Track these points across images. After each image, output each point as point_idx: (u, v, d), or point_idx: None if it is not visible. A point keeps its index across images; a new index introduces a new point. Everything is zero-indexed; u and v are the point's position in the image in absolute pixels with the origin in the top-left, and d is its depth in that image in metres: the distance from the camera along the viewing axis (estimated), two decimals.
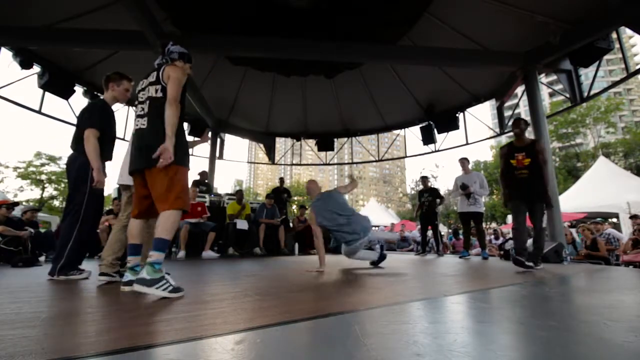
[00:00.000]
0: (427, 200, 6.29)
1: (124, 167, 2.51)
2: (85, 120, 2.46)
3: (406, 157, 10.15)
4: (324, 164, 11.20)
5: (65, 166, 2.71)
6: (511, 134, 4.09)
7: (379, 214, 18.68)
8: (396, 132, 9.88)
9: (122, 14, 5.07)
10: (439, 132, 8.40)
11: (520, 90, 6.57)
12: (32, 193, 25.76)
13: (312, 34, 6.04)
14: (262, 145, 10.54)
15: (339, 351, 0.90)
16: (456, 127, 8.01)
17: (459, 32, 6.00)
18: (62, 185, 24.45)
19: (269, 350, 0.92)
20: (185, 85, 1.97)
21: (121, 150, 3.07)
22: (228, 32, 6.04)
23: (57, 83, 6.35)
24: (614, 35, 5.21)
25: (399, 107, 8.84)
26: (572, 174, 25.05)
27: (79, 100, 7.25)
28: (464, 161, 5.79)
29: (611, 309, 1.55)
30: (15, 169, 23.37)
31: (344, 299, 1.77)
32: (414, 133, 9.09)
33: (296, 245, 6.66)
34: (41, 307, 1.49)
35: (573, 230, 6.88)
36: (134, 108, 1.95)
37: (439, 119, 8.25)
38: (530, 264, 3.18)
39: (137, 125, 1.96)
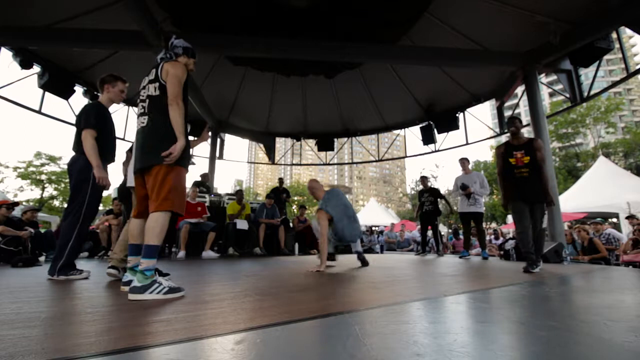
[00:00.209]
0: (427, 200, 6.29)
1: (132, 170, 2.53)
2: (81, 122, 2.53)
3: (406, 157, 10.15)
4: (324, 164, 11.21)
5: (66, 166, 2.75)
6: None
7: (379, 214, 18.67)
8: (396, 132, 9.88)
9: (122, 14, 5.08)
10: (439, 132, 8.40)
11: (520, 90, 6.58)
12: (32, 193, 25.82)
13: (312, 34, 6.05)
14: (262, 145, 10.54)
15: (339, 351, 0.90)
16: (456, 127, 8.01)
17: (459, 32, 6.00)
18: (62, 185, 24.46)
19: (269, 350, 0.92)
20: (186, 82, 1.94)
21: (121, 152, 3.08)
22: (228, 32, 6.04)
23: (57, 83, 6.36)
24: (614, 35, 5.21)
25: (399, 107, 8.85)
26: (572, 174, 25.04)
27: (79, 100, 7.26)
28: (464, 161, 5.79)
29: (611, 309, 1.55)
30: (15, 169, 23.37)
31: (344, 299, 1.77)
32: (414, 133, 9.10)
33: (296, 245, 6.65)
34: (41, 307, 1.49)
35: (573, 230, 6.87)
36: (135, 109, 1.95)
37: (439, 119, 8.26)
38: (537, 269, 3.15)
39: (138, 124, 1.95)
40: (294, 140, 10.50)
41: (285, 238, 6.32)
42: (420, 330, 1.13)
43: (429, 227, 6.50)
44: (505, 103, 7.09)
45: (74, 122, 3.13)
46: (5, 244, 4.10)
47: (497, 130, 8.07)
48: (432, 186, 6.79)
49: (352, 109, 9.09)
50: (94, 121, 2.51)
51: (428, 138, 8.57)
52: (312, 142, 10.32)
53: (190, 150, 2.11)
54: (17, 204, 4.98)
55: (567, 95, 5.93)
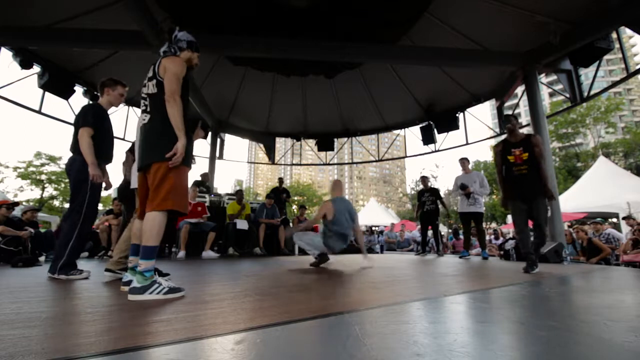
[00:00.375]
0: (428, 200, 6.29)
1: (135, 172, 2.54)
2: (79, 121, 2.57)
3: (406, 157, 10.15)
4: (324, 164, 11.21)
5: (65, 167, 2.77)
6: None
7: (379, 214, 18.67)
8: (396, 132, 9.88)
9: (122, 14, 5.08)
10: (439, 132, 8.40)
11: (520, 90, 6.58)
12: (32, 193, 25.83)
13: (312, 34, 6.04)
14: (262, 145, 10.54)
15: (339, 351, 0.90)
16: (456, 127, 8.01)
17: (459, 32, 6.00)
18: (62, 185, 24.45)
19: (269, 350, 0.92)
20: (188, 78, 1.89)
21: (119, 153, 3.09)
22: (228, 32, 6.04)
23: (57, 83, 6.36)
24: (614, 35, 5.21)
25: (399, 107, 8.85)
26: (572, 174, 25.03)
27: (79, 100, 7.26)
28: (464, 161, 5.79)
29: (611, 309, 1.55)
30: (15, 169, 23.36)
31: (344, 299, 1.77)
32: (414, 133, 9.10)
33: (296, 245, 6.65)
34: (41, 307, 1.49)
35: (572, 230, 6.88)
36: (136, 109, 1.93)
37: (439, 119, 8.26)
38: (536, 270, 3.13)
39: (140, 121, 1.93)
40: (294, 140, 10.50)
41: (285, 238, 6.32)
42: (420, 330, 1.13)
43: (429, 227, 6.50)
44: (505, 103, 7.09)
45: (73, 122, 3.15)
46: (5, 244, 4.10)
47: (497, 130, 8.07)
48: (433, 186, 6.79)
49: (352, 109, 9.09)
50: (92, 120, 2.54)
51: (428, 138, 8.57)
52: (312, 142, 10.32)
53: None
54: (17, 204, 4.98)
55: (567, 95, 5.93)
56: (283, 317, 1.27)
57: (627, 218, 6.45)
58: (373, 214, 18.73)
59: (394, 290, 2.10)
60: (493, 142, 36.82)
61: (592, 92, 5.83)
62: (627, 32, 5.23)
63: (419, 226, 6.88)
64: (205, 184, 7.41)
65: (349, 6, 5.64)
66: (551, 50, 5.32)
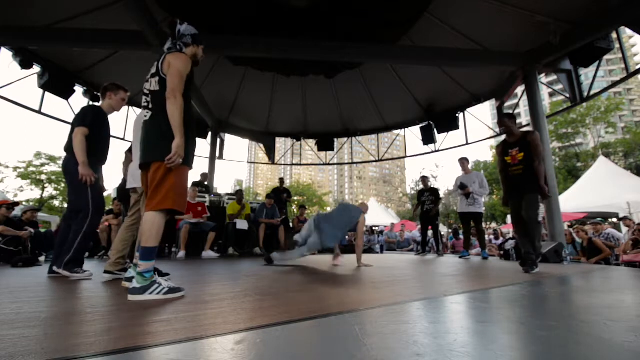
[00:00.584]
0: (428, 200, 6.30)
1: (131, 172, 2.55)
2: (75, 121, 2.60)
3: (406, 157, 10.15)
4: (324, 164, 11.21)
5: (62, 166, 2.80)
6: None
7: (379, 214, 18.67)
8: (396, 132, 9.88)
9: (122, 14, 5.08)
10: (439, 132, 8.40)
11: (520, 90, 6.58)
12: (32, 193, 25.82)
13: (312, 34, 6.04)
14: (262, 145, 10.54)
15: (339, 351, 0.90)
16: (456, 127, 8.01)
17: (459, 32, 6.00)
18: (62, 185, 24.43)
19: (269, 350, 0.92)
20: (191, 75, 1.86)
21: (119, 153, 3.10)
22: (228, 32, 6.04)
23: (57, 83, 6.36)
24: (614, 35, 5.21)
25: (399, 107, 8.85)
26: (572, 174, 25.04)
27: (79, 100, 7.26)
28: (463, 161, 5.79)
29: (611, 309, 1.55)
30: (15, 169, 23.36)
31: (344, 299, 1.77)
32: (414, 133, 9.10)
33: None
34: (41, 307, 1.49)
35: (572, 230, 6.89)
36: (136, 109, 1.91)
37: (439, 119, 8.26)
38: (537, 269, 3.11)
39: (142, 117, 1.91)
40: (294, 140, 10.50)
41: (285, 238, 6.32)
42: (420, 330, 1.13)
43: (429, 227, 6.50)
44: (505, 103, 7.09)
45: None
46: (5, 244, 4.10)
47: (497, 130, 8.06)
48: (433, 186, 6.80)
49: (352, 109, 9.09)
50: (90, 121, 2.57)
51: (428, 138, 8.57)
52: (312, 142, 10.32)
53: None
54: (17, 204, 4.98)
55: (567, 95, 5.93)
56: (283, 317, 1.27)
57: (624, 219, 6.45)
58: (373, 214, 18.71)
59: (394, 290, 2.10)
60: (493, 142, 36.88)
61: (592, 92, 5.83)
62: (627, 32, 5.23)
63: (419, 226, 6.88)
64: (204, 183, 7.41)
65: (349, 6, 5.64)
66: (551, 50, 5.32)
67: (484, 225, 6.15)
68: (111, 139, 2.92)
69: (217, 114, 9.22)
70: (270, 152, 10.21)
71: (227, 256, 5.44)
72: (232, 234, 5.78)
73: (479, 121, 8.31)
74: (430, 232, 6.79)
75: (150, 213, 1.72)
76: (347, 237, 6.53)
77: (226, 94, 8.59)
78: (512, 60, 5.86)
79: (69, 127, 2.68)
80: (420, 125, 8.73)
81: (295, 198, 34.71)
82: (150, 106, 1.85)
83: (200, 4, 5.56)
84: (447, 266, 3.90)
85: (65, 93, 6.54)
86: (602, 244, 5.46)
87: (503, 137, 3.84)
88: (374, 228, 12.98)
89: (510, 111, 8.38)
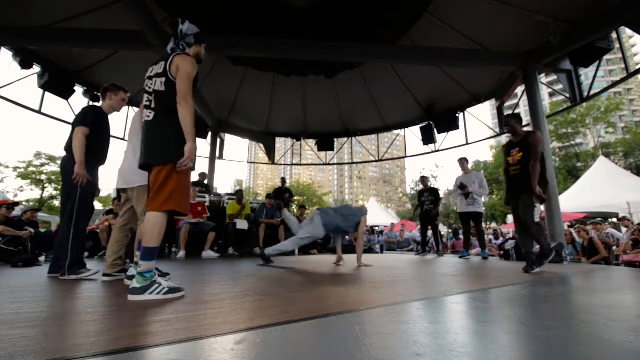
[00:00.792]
0: (427, 200, 6.30)
1: (120, 172, 2.55)
2: (76, 121, 2.60)
3: (406, 157, 10.15)
4: (324, 164, 11.21)
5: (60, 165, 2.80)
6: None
7: (379, 214, 18.68)
8: (396, 132, 9.88)
9: (122, 14, 5.07)
10: (439, 132, 8.40)
11: (520, 90, 6.58)
12: (32, 193, 25.82)
13: (312, 34, 6.04)
14: (262, 145, 10.54)
15: (339, 351, 0.90)
16: (456, 127, 8.01)
17: (459, 32, 6.00)
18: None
19: (269, 350, 0.92)
20: (196, 76, 1.85)
21: (119, 153, 3.10)
22: (228, 32, 6.04)
23: (57, 83, 6.35)
24: (614, 35, 5.20)
25: (399, 107, 8.85)
26: (572, 174, 25.03)
27: (79, 100, 7.26)
28: (463, 161, 5.80)
29: (611, 309, 1.55)
30: (15, 169, 23.35)
31: (344, 299, 1.77)
32: (414, 133, 9.10)
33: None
34: (41, 307, 1.49)
35: (573, 230, 6.90)
36: (136, 109, 1.89)
37: (439, 119, 8.26)
38: (538, 269, 3.11)
39: (144, 117, 1.88)
40: (294, 140, 10.50)
41: (285, 238, 6.31)
42: (420, 330, 1.13)
43: (429, 227, 6.50)
44: (505, 103, 7.08)
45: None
46: (5, 244, 4.10)
47: (497, 130, 8.07)
48: (432, 186, 6.80)
49: (352, 109, 9.09)
50: (90, 121, 2.57)
51: (428, 138, 8.57)
52: (312, 142, 10.32)
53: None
54: (17, 204, 4.98)
55: (567, 95, 5.93)
56: (283, 317, 1.27)
57: (623, 219, 6.46)
58: (373, 214, 18.71)
59: (394, 290, 2.10)
60: (493, 142, 36.91)
61: (592, 92, 5.83)
62: (627, 32, 5.23)
63: (419, 226, 6.88)
64: (202, 183, 7.40)
65: (349, 6, 5.64)
66: (551, 50, 5.32)
67: (484, 225, 6.15)
68: (111, 139, 2.92)
69: (217, 114, 9.22)
70: (270, 152, 10.21)
71: (227, 256, 5.44)
72: (232, 234, 5.78)
73: (479, 121, 8.32)
74: (430, 232, 6.79)
75: (153, 213, 1.72)
76: (347, 237, 6.53)
77: (226, 94, 8.59)
78: (512, 60, 5.86)
79: (69, 127, 2.68)
80: (420, 125, 8.73)
81: (295, 198, 34.68)
82: (153, 105, 1.83)
83: (200, 4, 5.56)
84: (447, 266, 3.90)
85: (65, 93, 6.53)
86: (601, 244, 5.46)
87: (503, 137, 3.85)
88: (374, 228, 12.98)
89: (511, 111, 8.40)
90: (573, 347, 0.97)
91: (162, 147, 1.75)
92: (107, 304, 1.61)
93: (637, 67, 5.28)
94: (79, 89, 6.88)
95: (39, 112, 6.38)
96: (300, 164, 14.31)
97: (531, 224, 3.21)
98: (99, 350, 0.88)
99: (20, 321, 1.19)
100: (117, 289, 1.96)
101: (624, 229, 6.60)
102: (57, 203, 25.68)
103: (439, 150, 8.71)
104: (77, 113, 2.72)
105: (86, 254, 5.31)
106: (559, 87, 7.30)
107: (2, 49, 5.54)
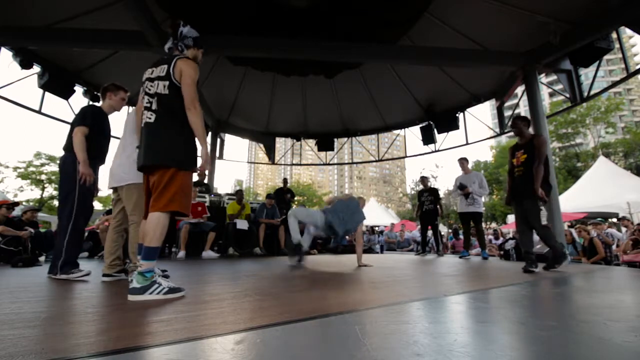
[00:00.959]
0: (427, 200, 6.30)
1: (110, 171, 2.55)
2: (75, 121, 2.60)
3: (406, 157, 10.15)
4: (324, 164, 11.21)
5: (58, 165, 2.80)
6: (511, 133, 4.07)
7: (379, 214, 18.67)
8: (396, 132, 9.88)
9: (122, 14, 5.08)
10: (439, 132, 8.40)
11: (520, 90, 6.57)
12: (32, 193, 25.77)
13: (312, 34, 6.04)
14: (262, 145, 10.54)
15: (339, 351, 0.90)
16: (456, 127, 8.01)
17: (459, 32, 6.00)
18: None
19: (269, 350, 0.92)
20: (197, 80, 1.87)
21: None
22: (228, 32, 6.04)
23: (57, 83, 6.35)
24: (614, 35, 5.20)
25: (399, 107, 8.84)
26: (572, 174, 25.01)
27: (79, 100, 7.25)
28: (462, 161, 5.79)
29: (611, 309, 1.55)
30: (15, 169, 23.34)
31: (344, 299, 1.77)
32: (414, 133, 9.10)
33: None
34: (41, 307, 1.49)
35: (573, 230, 6.89)
36: (142, 104, 1.83)
37: (439, 119, 8.25)
38: (537, 269, 3.11)
39: (144, 118, 1.85)
40: (294, 140, 10.50)
41: (285, 238, 6.31)
42: (420, 330, 1.13)
43: (429, 227, 6.50)
44: (505, 103, 7.09)
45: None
46: (5, 244, 4.09)
47: (497, 130, 8.07)
48: (432, 186, 6.80)
49: (352, 109, 9.09)
50: (90, 121, 2.57)
51: (428, 138, 8.57)
52: (312, 142, 10.32)
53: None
54: (17, 204, 4.98)
55: (567, 95, 5.93)
56: (283, 317, 1.27)
57: (623, 219, 6.47)
58: (373, 214, 18.71)
59: (394, 290, 2.10)
60: (493, 142, 36.88)
61: (592, 92, 5.83)
62: (627, 32, 5.23)
63: (419, 226, 6.88)
64: (202, 182, 7.40)
65: (349, 6, 5.64)
66: (551, 50, 5.32)
67: (483, 225, 6.15)
68: (111, 139, 2.91)
69: (217, 114, 9.22)
70: (270, 152, 10.21)
71: (227, 256, 5.44)
72: (232, 234, 5.78)
73: (479, 121, 8.32)
74: (430, 232, 6.79)
75: (156, 214, 1.72)
76: (347, 237, 6.52)
77: (226, 94, 8.59)
78: (512, 60, 5.86)
79: (69, 127, 2.67)
80: (420, 125, 8.72)
81: (295, 198, 34.72)
82: (155, 107, 1.81)
83: (200, 3, 5.56)
84: (447, 266, 3.90)
85: (65, 93, 6.53)
86: (600, 244, 5.47)
87: (503, 137, 3.88)
88: (374, 228, 12.98)
89: (511, 111, 8.41)
90: (573, 347, 0.97)
91: (167, 149, 1.75)
92: (107, 304, 1.61)
93: (637, 67, 5.28)
94: (79, 89, 6.88)
95: (39, 112, 6.38)
96: (300, 164, 14.31)
97: (539, 228, 3.27)
98: (99, 350, 0.88)
99: (20, 321, 1.19)
100: (117, 289, 1.96)
101: (623, 229, 6.60)
102: (57, 203, 25.65)
103: (439, 150, 8.71)
104: (77, 112, 2.72)
105: (86, 254, 5.32)
106: (559, 87, 7.30)
107: (2, 49, 5.54)
